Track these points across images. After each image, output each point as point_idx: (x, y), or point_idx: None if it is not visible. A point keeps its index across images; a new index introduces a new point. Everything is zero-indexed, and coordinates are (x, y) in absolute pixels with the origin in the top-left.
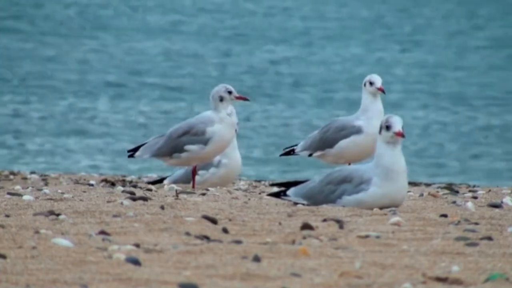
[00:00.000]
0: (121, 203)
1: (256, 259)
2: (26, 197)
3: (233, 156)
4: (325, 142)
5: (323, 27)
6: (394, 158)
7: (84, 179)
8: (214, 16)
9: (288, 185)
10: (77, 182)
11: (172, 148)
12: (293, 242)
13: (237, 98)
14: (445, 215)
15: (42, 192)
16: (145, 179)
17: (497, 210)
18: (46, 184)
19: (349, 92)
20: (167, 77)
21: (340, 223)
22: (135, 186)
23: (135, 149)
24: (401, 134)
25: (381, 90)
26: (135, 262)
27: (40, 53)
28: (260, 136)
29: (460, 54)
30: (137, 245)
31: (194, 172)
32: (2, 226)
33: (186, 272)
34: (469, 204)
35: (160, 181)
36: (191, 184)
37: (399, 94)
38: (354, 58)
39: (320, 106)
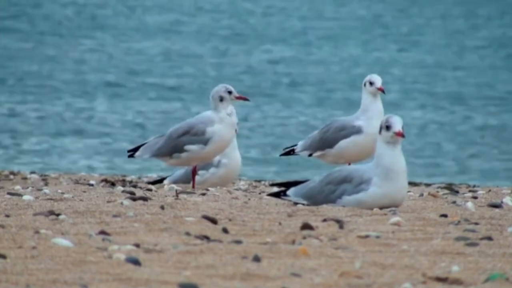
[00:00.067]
0: (121, 203)
1: (256, 259)
2: (26, 197)
3: (233, 156)
4: (325, 142)
5: (321, 27)
6: (394, 158)
7: (84, 179)
8: (212, 16)
9: (288, 185)
10: (77, 182)
11: (172, 148)
12: (293, 242)
13: (237, 98)
14: (445, 215)
15: (42, 192)
16: (145, 179)
17: (497, 210)
18: (46, 184)
19: (347, 92)
20: (165, 77)
21: (340, 223)
22: (135, 186)
23: (135, 149)
24: (401, 134)
25: (381, 90)
26: (135, 262)
27: (38, 53)
28: (257, 136)
29: (458, 54)
30: (137, 245)
31: (194, 172)
32: (2, 226)
33: (186, 272)
34: (469, 204)
35: (160, 181)
36: (191, 184)
37: (397, 94)
38: (352, 58)
39: (318, 106)
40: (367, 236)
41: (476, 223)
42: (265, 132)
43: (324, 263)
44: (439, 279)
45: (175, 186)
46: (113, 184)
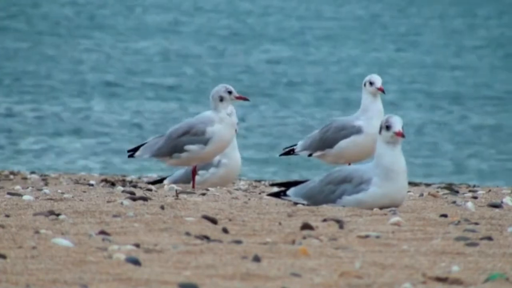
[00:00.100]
0: (121, 203)
1: (256, 259)
2: (26, 197)
3: (233, 156)
4: (325, 142)
5: (319, 27)
6: (394, 158)
7: (84, 179)
8: (211, 16)
9: (288, 185)
10: (77, 182)
11: (172, 148)
12: (293, 242)
13: (237, 98)
14: (445, 215)
15: (42, 192)
16: (145, 179)
17: (497, 210)
18: (46, 184)
19: (345, 92)
20: (164, 77)
21: (340, 223)
22: (135, 186)
23: (135, 149)
24: (401, 134)
25: (381, 90)
26: (135, 262)
27: (36, 53)
28: (256, 136)
29: (456, 53)
30: (137, 245)
31: (194, 172)
32: (2, 226)
33: (186, 272)
34: (469, 204)
35: (160, 181)
36: (191, 184)
37: (395, 94)
38: (350, 58)
39: (316, 106)
40: (367, 236)
41: (476, 223)
42: (263, 132)
43: (324, 263)
44: (439, 279)
45: (175, 186)
46: (113, 184)
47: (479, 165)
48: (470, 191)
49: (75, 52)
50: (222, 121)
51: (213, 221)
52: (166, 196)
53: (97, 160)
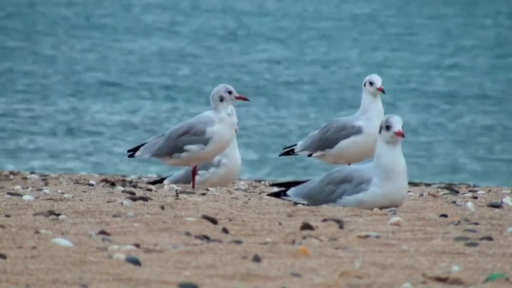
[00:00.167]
0: (121, 203)
1: (256, 259)
2: (26, 197)
3: (233, 156)
4: (325, 142)
5: (317, 27)
6: (394, 158)
7: (84, 179)
8: (209, 15)
9: (288, 185)
10: (77, 182)
11: (172, 148)
12: (293, 242)
13: (237, 98)
14: (445, 215)
15: (42, 192)
16: (145, 179)
17: (497, 210)
18: (46, 184)
19: (343, 92)
20: (162, 76)
21: (340, 223)
22: (135, 186)
23: (135, 149)
24: (401, 134)
25: (381, 90)
26: (135, 262)
27: (34, 52)
28: (254, 136)
29: (453, 53)
30: (137, 245)
31: (194, 172)
32: (2, 226)
33: (186, 272)
34: (469, 204)
35: (160, 181)
36: (191, 184)
37: (392, 94)
38: (348, 58)
39: (314, 105)
40: (367, 236)
41: (476, 223)
42: (262, 132)
43: (324, 263)
44: (439, 279)
45: (175, 186)
46: (113, 184)
47: (476, 165)
48: (470, 191)
49: (72, 52)
50: (222, 121)
51: (213, 221)
52: (166, 196)
53: (94, 160)
